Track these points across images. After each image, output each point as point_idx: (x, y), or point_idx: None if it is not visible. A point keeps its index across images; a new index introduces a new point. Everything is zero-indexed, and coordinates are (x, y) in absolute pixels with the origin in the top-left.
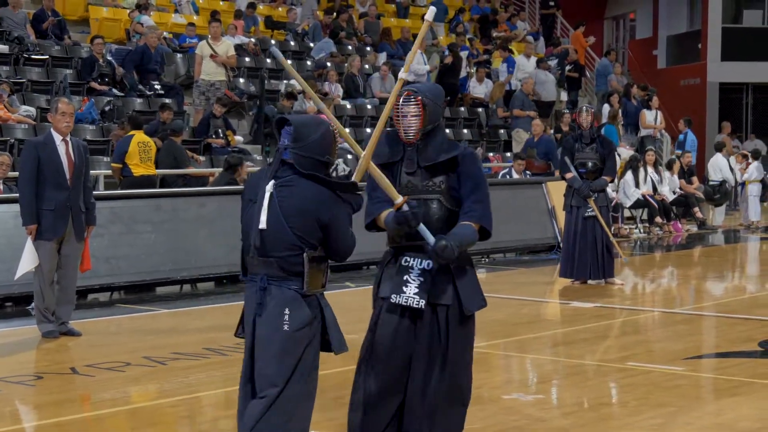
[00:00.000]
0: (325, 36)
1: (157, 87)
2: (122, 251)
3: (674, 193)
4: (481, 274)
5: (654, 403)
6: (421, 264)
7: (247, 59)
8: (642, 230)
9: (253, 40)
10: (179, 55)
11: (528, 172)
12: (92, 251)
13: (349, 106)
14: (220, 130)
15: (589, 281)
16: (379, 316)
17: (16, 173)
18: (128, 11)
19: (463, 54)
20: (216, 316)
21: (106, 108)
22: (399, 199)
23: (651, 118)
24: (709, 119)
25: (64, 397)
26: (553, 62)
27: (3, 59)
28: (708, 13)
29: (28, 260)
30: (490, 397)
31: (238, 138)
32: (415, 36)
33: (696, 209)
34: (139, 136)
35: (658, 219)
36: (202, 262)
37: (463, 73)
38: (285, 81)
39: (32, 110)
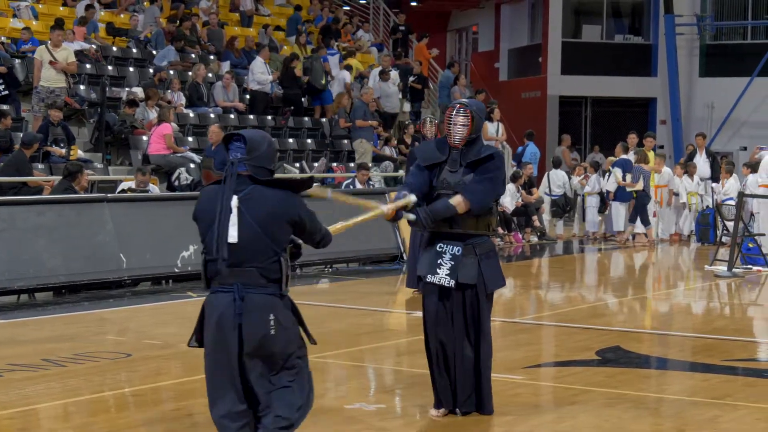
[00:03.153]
0: (168, 44)
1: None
2: None
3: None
4: (324, 285)
5: (495, 412)
6: (452, 250)
7: (88, 66)
8: None
9: (94, 46)
10: (17, 61)
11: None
12: None
13: (192, 115)
14: (62, 142)
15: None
16: (423, 293)
17: None
18: None
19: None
20: (55, 327)
21: None
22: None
23: (493, 130)
24: (549, 131)
25: None
26: (395, 73)
27: None
28: (548, 28)
29: None
30: (332, 407)
31: (80, 153)
32: (258, 45)
33: (535, 218)
34: None
35: (500, 230)
36: (40, 272)
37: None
38: (126, 88)
39: None
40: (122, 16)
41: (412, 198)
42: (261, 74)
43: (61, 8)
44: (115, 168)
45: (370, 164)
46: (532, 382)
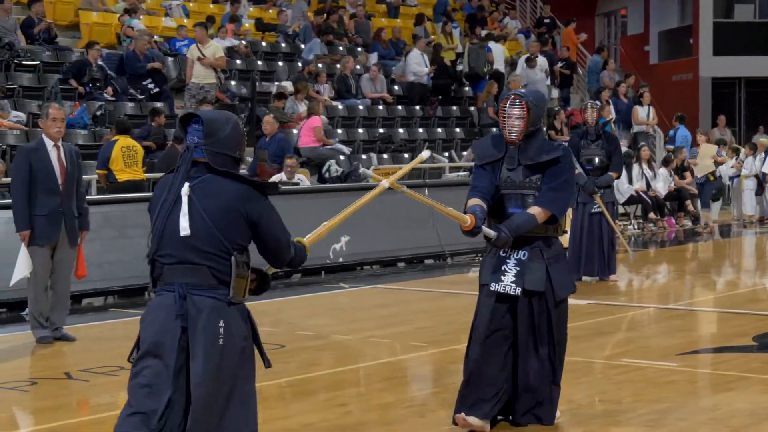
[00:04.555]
0: (316, 37)
1: (151, 87)
2: (115, 256)
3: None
4: (474, 274)
5: (649, 399)
6: (517, 255)
7: (238, 61)
8: (636, 226)
9: (244, 42)
10: (170, 59)
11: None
12: (85, 256)
13: (340, 107)
14: None
15: (584, 278)
16: (479, 301)
17: (9, 179)
18: (118, 15)
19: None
20: None
21: (98, 113)
22: (467, 222)
23: (643, 114)
24: (702, 114)
25: (58, 403)
26: (542, 60)
27: None
28: (699, 8)
29: (22, 266)
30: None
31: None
32: (414, 37)
33: (689, 203)
34: (123, 141)
35: (652, 215)
36: None
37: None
38: (276, 83)
39: (22, 116)
40: (270, 11)
41: (468, 222)
42: (417, 65)
43: (211, 5)
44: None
45: None
46: (687, 369)
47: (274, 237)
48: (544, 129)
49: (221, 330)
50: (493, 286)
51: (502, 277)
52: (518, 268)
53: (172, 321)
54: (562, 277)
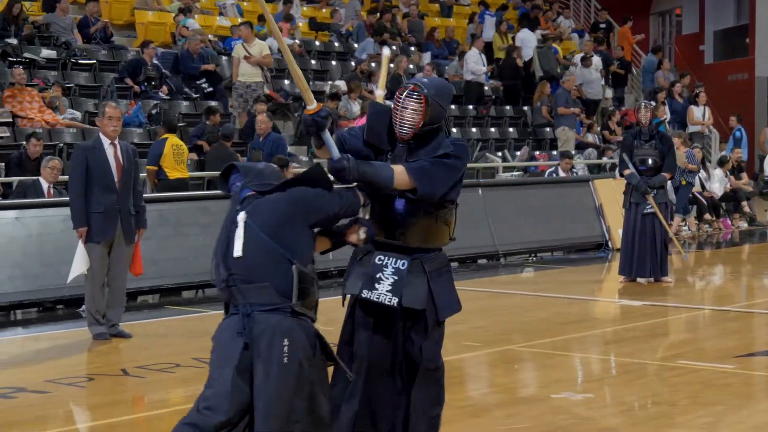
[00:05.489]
0: (369, 36)
1: (205, 86)
2: (170, 253)
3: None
4: (528, 274)
5: (704, 401)
6: (395, 263)
7: None
8: (691, 228)
9: (297, 41)
10: (224, 58)
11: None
12: (141, 253)
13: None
14: None
15: (638, 279)
16: (352, 324)
17: (66, 177)
18: (173, 15)
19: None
20: None
21: (153, 111)
22: (313, 104)
23: (699, 114)
24: (758, 114)
25: (115, 399)
26: (597, 59)
27: (51, 64)
28: (756, 7)
29: (79, 263)
30: (538, 396)
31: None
32: (473, 36)
33: (745, 204)
34: (172, 139)
35: (707, 216)
36: None
37: None
38: (330, 82)
39: (78, 114)
40: (324, 10)
41: (314, 105)
42: (474, 64)
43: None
44: (320, 161)
45: (573, 152)
46: (743, 372)
47: (335, 210)
48: (445, 130)
49: (285, 348)
50: (365, 293)
51: (377, 285)
52: (395, 278)
53: (234, 339)
54: (447, 295)
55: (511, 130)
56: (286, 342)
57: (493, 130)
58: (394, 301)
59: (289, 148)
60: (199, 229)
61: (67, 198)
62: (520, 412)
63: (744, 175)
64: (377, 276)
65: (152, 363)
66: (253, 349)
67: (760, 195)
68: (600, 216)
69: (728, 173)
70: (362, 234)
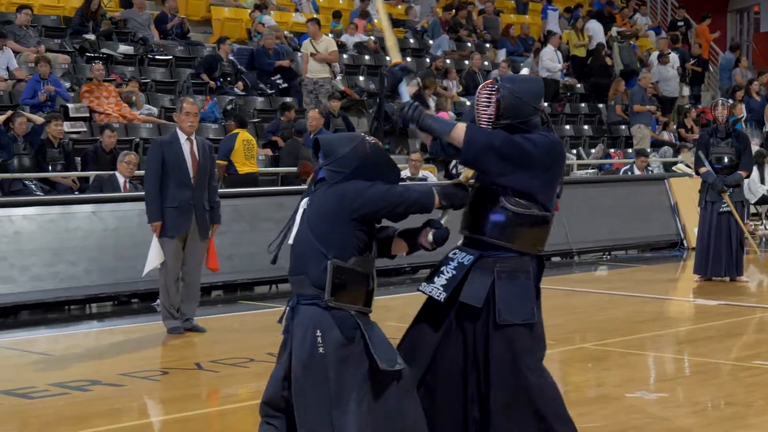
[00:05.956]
0: (444, 33)
1: (280, 82)
2: (245, 249)
3: None
4: (602, 272)
5: (738, 401)
6: (462, 258)
7: (367, 57)
8: (767, 227)
9: (373, 37)
10: (299, 55)
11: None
12: (216, 249)
13: (468, 103)
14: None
15: (714, 278)
16: (427, 322)
17: (142, 172)
18: (249, 11)
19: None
20: None
21: (228, 107)
22: (396, 59)
23: None
24: None
25: (189, 393)
26: (674, 57)
27: (128, 60)
28: None
29: (154, 257)
30: (612, 395)
31: None
32: (549, 32)
33: None
34: (243, 134)
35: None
36: None
37: None
38: None
39: (155, 110)
40: (399, 7)
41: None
42: (550, 61)
43: (341, 1)
44: (395, 157)
45: (648, 150)
46: None
47: (393, 206)
48: (540, 127)
49: (318, 339)
50: (422, 287)
51: (435, 279)
52: (454, 273)
53: (283, 332)
54: (512, 299)
55: (585, 127)
56: (318, 334)
57: (567, 127)
58: (443, 296)
59: None
60: (274, 224)
61: (143, 193)
62: (592, 411)
63: None
64: (441, 269)
65: (226, 357)
66: (291, 341)
67: None
68: (675, 214)
69: None
70: (429, 237)
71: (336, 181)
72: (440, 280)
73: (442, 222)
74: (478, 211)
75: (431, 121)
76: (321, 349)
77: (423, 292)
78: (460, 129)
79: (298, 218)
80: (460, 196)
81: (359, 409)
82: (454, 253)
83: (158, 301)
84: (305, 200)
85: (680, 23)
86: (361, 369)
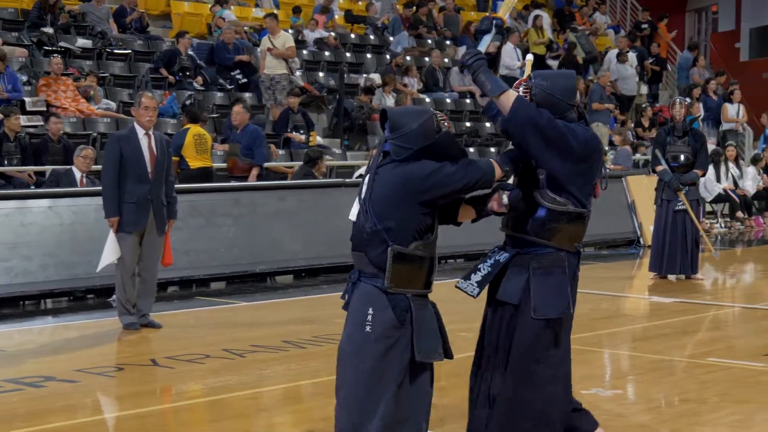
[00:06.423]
0: (405, 30)
1: (239, 77)
2: (202, 244)
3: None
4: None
5: (735, 399)
6: (498, 255)
7: (327, 53)
8: (723, 225)
9: (333, 34)
10: (259, 50)
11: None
12: (172, 244)
13: (428, 100)
14: (301, 129)
15: (669, 276)
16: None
17: (99, 167)
18: (209, 5)
19: None
20: (294, 310)
21: (187, 102)
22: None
23: (733, 111)
24: None
25: (144, 389)
26: (632, 55)
27: (86, 54)
28: None
29: (110, 252)
30: None
31: (319, 139)
32: (508, 30)
33: None
34: (195, 129)
35: (740, 214)
36: (280, 256)
37: None
38: (364, 75)
39: (113, 104)
40: (360, 3)
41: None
42: (509, 59)
43: None
44: (353, 153)
45: (606, 148)
46: None
47: (461, 186)
48: (575, 119)
49: (369, 317)
50: (459, 284)
51: (472, 275)
52: (489, 269)
53: (344, 307)
54: (547, 294)
55: None
56: (370, 312)
57: None
58: (476, 291)
59: (323, 141)
60: (231, 220)
61: (100, 187)
62: None
63: None
64: (478, 266)
65: (182, 354)
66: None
67: None
68: (632, 212)
69: (761, 171)
70: (504, 199)
71: (402, 158)
72: (476, 277)
73: None
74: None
75: (485, 77)
76: (368, 328)
77: (459, 289)
78: (510, 96)
79: (362, 194)
80: (517, 159)
81: (394, 398)
82: (493, 251)
83: (114, 296)
84: (368, 178)
85: (644, 26)
86: (405, 355)
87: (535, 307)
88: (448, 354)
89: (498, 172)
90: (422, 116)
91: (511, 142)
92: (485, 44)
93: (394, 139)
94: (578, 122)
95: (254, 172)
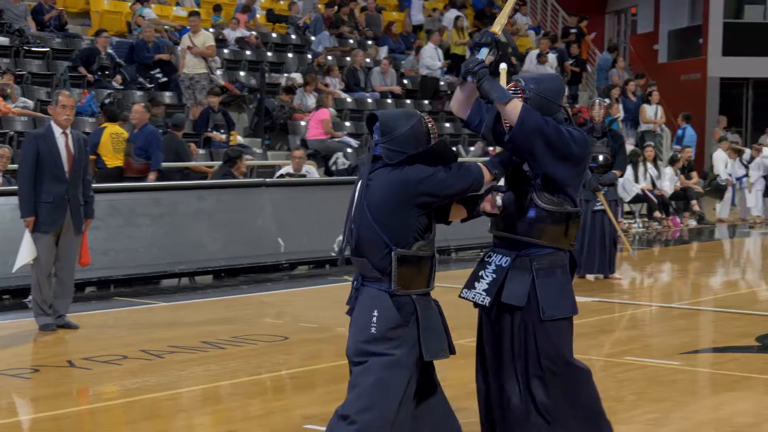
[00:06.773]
0: (326, 29)
1: (159, 76)
2: (121, 244)
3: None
4: (468, 269)
5: (651, 397)
6: (499, 260)
7: (248, 52)
8: (641, 225)
9: (254, 33)
10: (179, 48)
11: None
12: (90, 244)
13: (349, 100)
14: (222, 128)
15: (587, 276)
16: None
17: (16, 165)
18: (129, 4)
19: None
20: (214, 310)
21: (106, 101)
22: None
23: (651, 113)
24: (709, 114)
25: (60, 390)
26: (552, 57)
27: (3, 51)
28: (709, 8)
29: (25, 252)
30: None
31: (240, 138)
32: (428, 31)
33: (694, 203)
34: (111, 128)
35: (657, 214)
36: (200, 256)
37: None
38: (285, 75)
39: (30, 102)
40: (282, 2)
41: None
42: (430, 59)
43: None
44: (274, 153)
45: None
46: (689, 368)
47: (453, 192)
48: (563, 120)
49: (374, 319)
50: (464, 293)
51: (476, 284)
52: (494, 276)
53: (348, 312)
54: (552, 294)
55: (447, 125)
56: (375, 314)
57: (447, 125)
58: (487, 300)
59: (244, 140)
60: (150, 220)
61: (16, 187)
62: (469, 407)
63: (694, 174)
64: (479, 274)
65: (99, 355)
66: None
67: (706, 194)
68: None
69: (678, 172)
70: (498, 201)
71: (395, 163)
72: (481, 285)
73: None
74: (509, 209)
75: (490, 86)
76: (373, 329)
77: (465, 299)
78: (517, 105)
79: (356, 200)
80: (506, 162)
81: (400, 400)
82: (489, 256)
83: (30, 297)
84: (360, 184)
85: (573, 30)
86: (412, 354)
87: (542, 308)
88: (451, 350)
89: (487, 176)
90: (411, 119)
91: (492, 146)
92: (483, 56)
93: (385, 143)
94: (565, 123)
95: (152, 176)
